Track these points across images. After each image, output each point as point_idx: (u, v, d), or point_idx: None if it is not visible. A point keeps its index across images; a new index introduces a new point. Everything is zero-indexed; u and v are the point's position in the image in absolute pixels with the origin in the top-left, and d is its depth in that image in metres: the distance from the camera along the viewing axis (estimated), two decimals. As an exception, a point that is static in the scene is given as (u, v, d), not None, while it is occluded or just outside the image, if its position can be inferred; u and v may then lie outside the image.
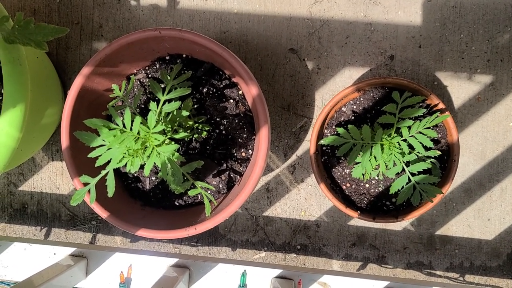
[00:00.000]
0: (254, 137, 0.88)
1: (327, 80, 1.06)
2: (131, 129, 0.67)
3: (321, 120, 0.81)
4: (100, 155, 0.68)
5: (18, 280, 0.89)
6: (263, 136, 0.76)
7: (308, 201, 1.08)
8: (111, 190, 0.69)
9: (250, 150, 0.88)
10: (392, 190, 0.76)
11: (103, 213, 0.79)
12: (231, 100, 0.88)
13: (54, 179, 1.12)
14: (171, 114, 0.73)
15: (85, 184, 0.75)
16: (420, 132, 0.74)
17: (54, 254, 0.89)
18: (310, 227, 1.08)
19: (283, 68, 1.07)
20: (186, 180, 0.75)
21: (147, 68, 0.89)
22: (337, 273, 0.84)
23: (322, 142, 0.78)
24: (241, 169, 0.89)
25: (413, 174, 0.75)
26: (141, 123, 0.66)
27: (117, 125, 0.67)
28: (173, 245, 1.12)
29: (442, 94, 1.03)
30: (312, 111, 1.06)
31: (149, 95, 0.87)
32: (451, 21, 1.04)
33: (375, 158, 0.76)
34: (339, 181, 0.86)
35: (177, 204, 0.90)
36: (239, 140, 0.88)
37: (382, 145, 0.74)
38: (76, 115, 0.81)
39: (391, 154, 0.73)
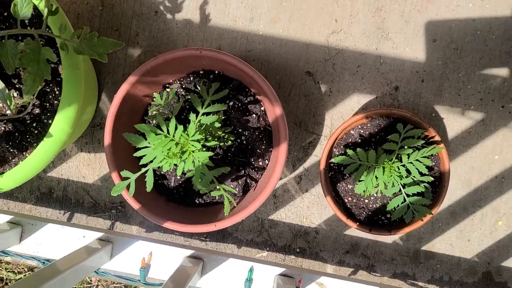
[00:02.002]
0: (271, 149, 1.00)
1: (337, 103, 1.18)
2: (173, 135, 0.78)
3: (332, 140, 0.92)
4: (144, 155, 0.79)
5: (49, 257, 1.00)
6: (282, 150, 0.88)
7: (310, 209, 1.19)
8: (149, 185, 0.80)
9: (266, 160, 1.00)
10: (389, 207, 0.88)
11: (135, 205, 0.90)
12: (254, 115, 1.00)
13: (81, 168, 1.23)
14: (205, 125, 0.84)
15: (124, 178, 0.86)
16: (417, 160, 0.86)
17: (84, 237, 1.00)
18: (310, 233, 1.20)
19: (299, 88, 1.19)
20: (212, 182, 0.87)
21: (181, 79, 1.01)
22: (333, 276, 0.95)
23: (333, 160, 0.90)
24: (257, 176, 1.00)
25: (408, 195, 0.88)
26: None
27: (162, 131, 0.78)
28: (184, 238, 1.23)
29: (439, 125, 1.16)
30: (322, 129, 1.18)
31: (183, 104, 0.98)
32: (452, 61, 1.16)
33: (376, 178, 0.88)
34: (342, 195, 0.98)
35: (197, 202, 1.01)
36: (258, 150, 0.99)
37: (384, 168, 0.86)
38: (119, 117, 0.92)
39: (391, 176, 0.85)
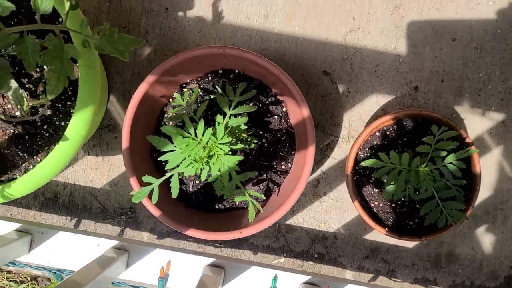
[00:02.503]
0: (293, 152, 0.96)
1: (355, 104, 1.15)
2: (201, 138, 0.73)
3: (359, 143, 0.89)
4: (165, 159, 0.75)
5: (61, 267, 0.94)
6: (310, 154, 0.84)
7: (329, 213, 1.16)
8: (175, 191, 0.76)
9: (289, 164, 0.96)
10: (422, 212, 0.85)
11: (156, 212, 0.85)
12: (276, 116, 0.95)
13: (88, 172, 1.17)
14: (230, 127, 0.80)
15: (145, 184, 0.81)
16: (450, 163, 0.83)
17: (98, 245, 0.94)
18: (328, 238, 1.17)
19: (316, 89, 1.15)
20: (237, 187, 0.82)
21: (199, 78, 0.96)
22: (360, 284, 0.92)
23: (363, 164, 0.87)
24: (279, 180, 0.96)
25: (441, 200, 0.84)
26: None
27: (189, 133, 0.74)
28: (198, 244, 1.18)
29: (459, 126, 1.13)
30: (339, 130, 1.15)
31: (199, 104, 0.94)
32: (472, 61, 1.14)
33: (405, 182, 0.84)
34: (368, 199, 0.95)
35: (217, 207, 0.97)
36: (280, 153, 0.95)
37: (416, 171, 0.82)
38: (136, 119, 0.87)
39: (424, 180, 0.81)
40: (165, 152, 0.91)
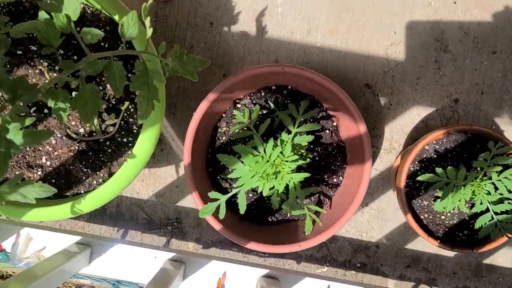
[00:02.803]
0: (345, 165, 0.98)
1: (396, 116, 1.17)
2: (270, 156, 0.76)
3: (412, 157, 0.91)
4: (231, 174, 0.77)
5: (120, 278, 0.97)
6: (366, 169, 0.86)
7: (370, 224, 1.18)
8: (242, 207, 0.78)
9: (340, 177, 0.98)
10: (477, 225, 0.87)
11: (217, 226, 0.88)
12: (327, 131, 0.98)
13: (135, 184, 1.20)
14: (292, 144, 0.82)
15: (211, 200, 0.83)
16: (505, 177, 0.85)
17: (155, 257, 0.97)
18: (370, 248, 1.19)
19: (358, 101, 1.17)
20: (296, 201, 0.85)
21: (251, 94, 0.99)
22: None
23: (420, 178, 0.89)
24: (331, 193, 0.98)
25: (496, 213, 0.87)
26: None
27: (258, 151, 0.76)
28: (242, 254, 1.20)
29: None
30: (381, 142, 1.17)
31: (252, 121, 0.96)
32: (512, 73, 1.16)
33: (460, 196, 0.87)
34: (417, 211, 0.97)
35: (269, 220, 0.99)
36: (332, 167, 0.97)
37: (471, 185, 0.85)
38: (197, 135, 0.89)
39: (479, 194, 0.84)
40: (223, 169, 0.94)
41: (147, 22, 0.67)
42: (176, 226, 1.21)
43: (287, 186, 0.84)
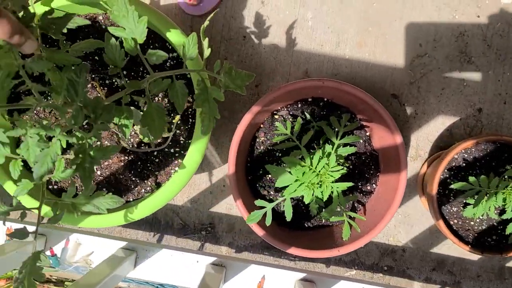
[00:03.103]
0: (378, 173, 1.03)
1: (422, 125, 1.22)
2: (316, 167, 0.81)
3: (443, 166, 0.96)
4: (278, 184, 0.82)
5: (163, 282, 1.02)
6: (402, 178, 0.91)
7: (397, 228, 1.23)
8: (289, 214, 0.83)
9: (374, 185, 1.03)
10: (508, 231, 0.92)
11: (260, 232, 0.93)
12: (360, 140, 1.03)
13: (170, 191, 1.25)
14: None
15: (257, 207, 0.88)
16: (535, 185, 0.90)
17: (197, 262, 1.02)
18: (397, 251, 1.24)
19: (385, 111, 1.22)
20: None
21: (288, 106, 1.03)
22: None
23: (453, 186, 0.94)
24: (365, 200, 1.03)
25: (526, 219, 0.92)
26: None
27: (305, 162, 0.81)
28: (274, 258, 1.25)
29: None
30: (407, 150, 1.22)
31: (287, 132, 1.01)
32: (533, 84, 1.21)
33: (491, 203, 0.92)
34: (447, 217, 1.02)
35: (305, 225, 1.04)
36: (365, 175, 1.02)
37: (503, 193, 0.90)
38: (239, 146, 0.94)
39: (510, 201, 0.89)
40: (261, 177, 0.99)
41: (206, 43, 0.72)
42: (209, 231, 1.26)
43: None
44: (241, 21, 1.23)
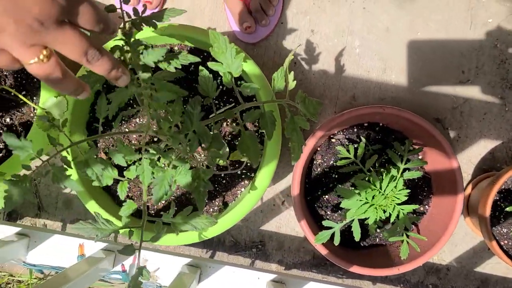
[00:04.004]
0: (431, 195, 1.08)
1: (465, 148, 1.27)
2: (384, 190, 0.86)
3: (496, 189, 1.01)
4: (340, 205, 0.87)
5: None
6: (459, 201, 0.96)
7: (442, 247, 1.27)
8: (357, 235, 0.88)
9: (426, 206, 1.08)
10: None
11: (323, 251, 0.97)
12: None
13: (222, 209, 1.30)
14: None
15: (325, 227, 0.93)
16: None
17: (258, 278, 1.06)
18: (441, 270, 1.28)
19: (429, 134, 1.27)
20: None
21: (344, 130, 1.09)
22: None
23: (508, 209, 0.99)
24: (417, 221, 1.08)
25: None
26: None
27: (375, 185, 0.87)
28: (322, 275, 1.30)
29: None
30: (451, 172, 1.27)
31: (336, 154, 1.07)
32: None
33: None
34: (497, 238, 1.06)
35: (361, 245, 1.09)
36: (419, 196, 1.07)
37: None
38: (304, 168, 1.00)
39: None
40: (319, 198, 1.04)
41: (291, 76, 0.78)
42: (260, 248, 1.30)
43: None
44: (292, 48, 1.29)
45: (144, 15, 0.63)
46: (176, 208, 0.73)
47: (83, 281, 0.89)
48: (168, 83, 0.64)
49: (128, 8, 1.23)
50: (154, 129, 0.66)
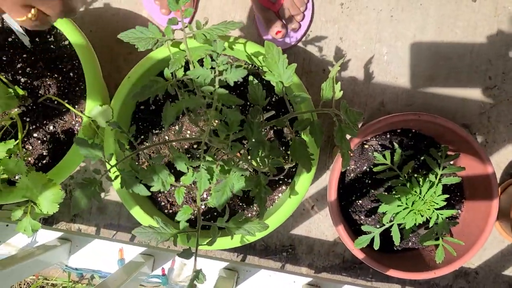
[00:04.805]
0: (463, 200, 1.10)
1: (493, 153, 1.29)
2: (424, 196, 0.89)
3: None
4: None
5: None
6: (494, 205, 0.98)
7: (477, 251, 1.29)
8: (397, 239, 0.90)
9: (459, 210, 1.10)
10: None
11: (360, 255, 1.00)
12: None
13: (253, 214, 1.32)
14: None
15: (352, 231, 0.95)
16: None
17: (294, 282, 1.09)
18: (470, 274, 1.30)
19: (457, 139, 1.29)
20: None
21: (377, 136, 1.11)
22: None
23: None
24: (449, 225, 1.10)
25: None
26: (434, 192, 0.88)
27: (415, 191, 0.89)
28: (351, 278, 1.32)
29: None
30: (479, 177, 1.29)
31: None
32: None
33: None
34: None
35: (394, 248, 1.11)
36: (451, 201, 1.09)
37: None
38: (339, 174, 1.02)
39: None
40: (352, 203, 1.06)
41: (338, 86, 0.80)
42: (290, 252, 1.33)
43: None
44: (321, 55, 1.32)
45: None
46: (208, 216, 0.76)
47: (131, 285, 0.92)
48: (228, 94, 0.66)
49: (162, 20, 1.26)
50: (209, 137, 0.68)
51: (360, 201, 1.10)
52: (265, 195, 0.67)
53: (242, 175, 0.69)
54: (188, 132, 1.00)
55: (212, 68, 0.71)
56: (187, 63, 0.81)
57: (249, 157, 0.66)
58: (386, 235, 1.11)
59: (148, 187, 0.72)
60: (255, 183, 0.66)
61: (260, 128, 0.67)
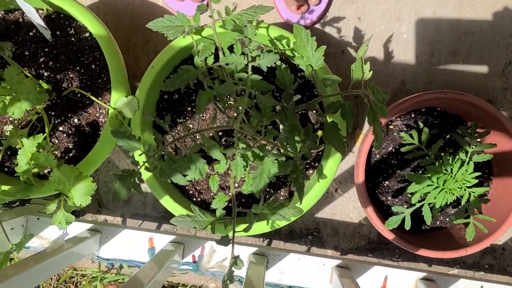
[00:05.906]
0: (491, 177, 1.09)
1: (517, 128, 1.28)
2: (455, 174, 0.88)
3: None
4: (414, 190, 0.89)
5: (292, 284, 1.09)
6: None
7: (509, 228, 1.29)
8: (428, 218, 0.90)
9: (487, 187, 1.09)
10: None
11: (390, 236, 1.00)
12: (473, 146, 1.09)
13: (277, 198, 1.32)
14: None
15: (381, 212, 0.95)
16: None
17: (323, 264, 1.09)
18: (497, 250, 1.30)
19: (480, 116, 1.28)
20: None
21: (401, 116, 1.10)
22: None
23: None
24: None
25: None
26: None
27: (446, 171, 0.88)
28: (377, 259, 1.32)
29: None
30: (504, 153, 1.28)
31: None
32: None
33: None
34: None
35: (422, 228, 1.11)
36: (480, 179, 1.08)
37: None
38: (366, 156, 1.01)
39: None
40: (379, 184, 1.06)
41: (367, 66, 0.79)
42: (315, 235, 1.33)
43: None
44: (339, 36, 1.30)
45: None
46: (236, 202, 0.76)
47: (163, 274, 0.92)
48: (261, 80, 0.66)
49: (178, 7, 1.25)
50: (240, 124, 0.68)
51: (386, 182, 1.10)
52: (303, 180, 0.67)
53: (276, 160, 0.68)
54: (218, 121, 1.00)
55: (242, 53, 0.70)
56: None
57: (284, 143, 0.65)
58: (413, 215, 1.10)
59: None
60: (292, 168, 0.66)
61: (293, 113, 0.66)
